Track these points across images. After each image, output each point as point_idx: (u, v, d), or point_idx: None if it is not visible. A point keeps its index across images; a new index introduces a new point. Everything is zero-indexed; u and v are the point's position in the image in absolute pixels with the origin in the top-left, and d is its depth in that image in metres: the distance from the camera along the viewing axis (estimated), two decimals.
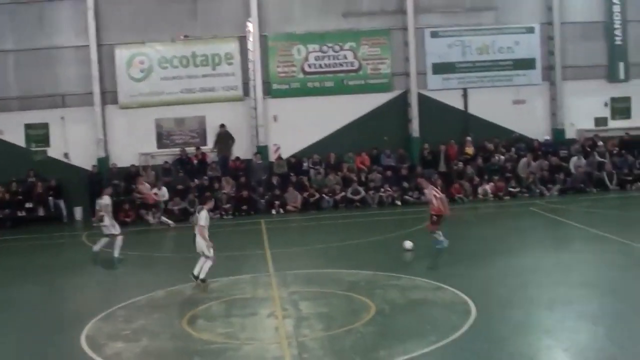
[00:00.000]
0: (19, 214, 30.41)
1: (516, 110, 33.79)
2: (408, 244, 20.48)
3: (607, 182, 31.47)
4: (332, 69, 33.14)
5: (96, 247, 21.67)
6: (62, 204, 31.14)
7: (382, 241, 22.72)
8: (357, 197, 30.68)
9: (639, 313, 13.99)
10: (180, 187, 30.73)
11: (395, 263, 19.15)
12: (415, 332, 13.18)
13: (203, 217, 17.49)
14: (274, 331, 13.96)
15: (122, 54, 32.19)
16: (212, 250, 17.47)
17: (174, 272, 18.31)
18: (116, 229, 21.50)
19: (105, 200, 21.63)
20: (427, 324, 13.66)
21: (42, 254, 24.24)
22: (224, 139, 32.43)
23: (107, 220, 21.44)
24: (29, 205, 30.68)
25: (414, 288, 16.38)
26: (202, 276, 17.41)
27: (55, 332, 14.71)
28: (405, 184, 31.24)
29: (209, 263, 17.47)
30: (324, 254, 21.21)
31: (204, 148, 32.45)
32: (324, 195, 30.66)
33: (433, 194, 20.51)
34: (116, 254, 21.19)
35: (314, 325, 14.04)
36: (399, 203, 30.60)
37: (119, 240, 21.35)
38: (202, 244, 17.41)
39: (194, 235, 17.58)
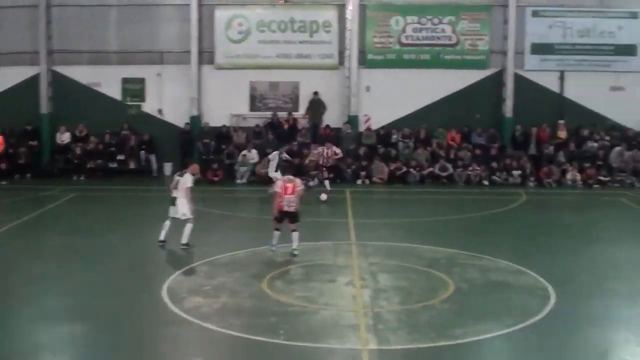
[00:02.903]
0: (111, 165, 31.25)
1: (613, 97, 32.81)
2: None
3: None
4: (429, 42, 32.76)
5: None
6: (153, 158, 31.87)
7: (467, 220, 22.53)
8: (444, 174, 30.47)
9: None
10: (269, 150, 30.99)
11: (478, 243, 18.96)
12: (491, 314, 13.11)
13: (189, 179, 17.99)
14: (351, 299, 14.08)
15: (221, 15, 32.50)
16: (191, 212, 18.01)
17: (257, 233, 18.55)
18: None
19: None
20: (504, 307, 13.56)
21: (130, 206, 24.87)
22: (316, 106, 32.51)
23: None
24: (120, 157, 31.55)
25: (494, 269, 16.26)
26: (184, 240, 17.83)
27: (138, 282, 15.20)
28: (494, 164, 30.86)
29: (190, 226, 17.88)
30: (407, 228, 21.19)
31: (295, 114, 32.61)
32: (411, 169, 30.54)
33: None
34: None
35: (391, 298, 14.11)
36: (486, 183, 30.26)
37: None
38: (185, 206, 17.87)
39: (173, 199, 18.04)
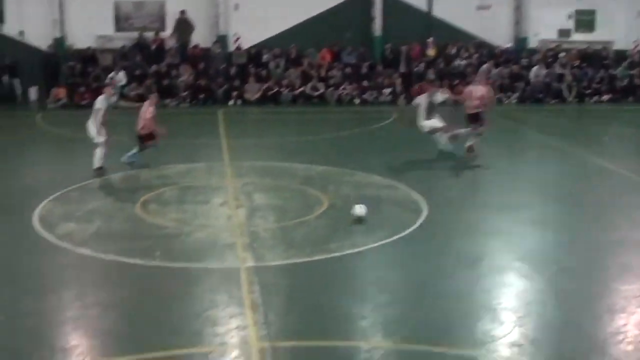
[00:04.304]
0: None
1: (480, 15, 33.58)
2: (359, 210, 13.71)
3: (566, 94, 31.66)
4: None
5: None
6: (16, 83, 30.50)
7: (339, 138, 22.74)
8: (315, 93, 30.53)
9: (587, 221, 14.29)
10: (138, 72, 30.24)
11: (351, 160, 19.16)
12: (365, 227, 13.31)
13: (99, 100, 17.46)
14: (227, 220, 14.05)
15: None
16: (101, 137, 17.29)
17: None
18: None
19: None
20: (377, 220, 13.81)
21: None
22: (184, 26, 31.80)
23: None
24: None
25: (367, 184, 16.52)
26: (96, 165, 17.24)
27: (7, 211, 14.60)
28: (365, 83, 31.14)
29: (99, 149, 17.28)
30: (280, 148, 21.23)
31: (162, 34, 31.82)
32: (282, 89, 30.45)
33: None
34: None
35: (266, 216, 14.15)
36: (357, 101, 30.54)
37: None
38: (92, 129, 17.37)
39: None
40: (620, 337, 8.92)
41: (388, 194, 15.77)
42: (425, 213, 14.16)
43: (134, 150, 17.90)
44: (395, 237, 12.70)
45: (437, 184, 16.92)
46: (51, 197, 15.32)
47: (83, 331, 9.25)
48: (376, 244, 12.36)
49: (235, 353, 8.53)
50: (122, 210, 14.69)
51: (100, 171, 17.19)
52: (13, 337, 9.04)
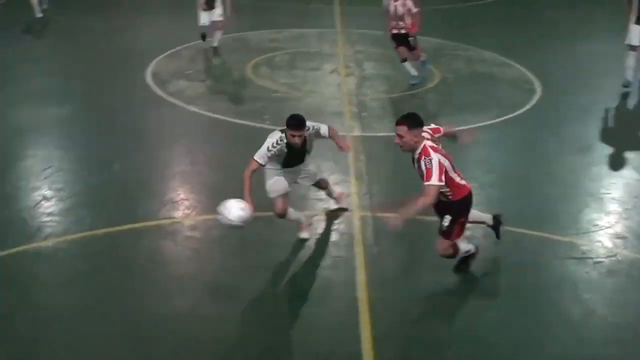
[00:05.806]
0: None
1: None
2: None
3: None
4: None
5: None
6: None
7: (454, 9, 22.10)
8: None
9: None
10: None
11: (465, 34, 18.62)
12: (476, 104, 13.12)
13: None
14: (336, 87, 14.04)
15: None
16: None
17: (240, 18, 18.10)
18: None
19: None
20: (489, 98, 13.58)
21: None
22: None
23: None
24: None
25: (481, 61, 16.15)
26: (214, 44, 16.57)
27: (120, 67, 14.93)
28: None
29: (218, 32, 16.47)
30: None
31: None
32: None
33: None
34: None
35: (376, 86, 14.09)
36: None
37: None
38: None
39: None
40: None
41: (502, 72, 15.41)
42: (539, 94, 13.82)
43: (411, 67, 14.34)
44: (506, 117, 12.51)
45: (554, 64, 16.26)
46: (163, 55, 15.60)
47: (190, 186, 9.54)
48: (486, 123, 12.17)
49: (337, 220, 8.65)
50: (232, 71, 14.90)
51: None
52: (125, 187, 9.39)
